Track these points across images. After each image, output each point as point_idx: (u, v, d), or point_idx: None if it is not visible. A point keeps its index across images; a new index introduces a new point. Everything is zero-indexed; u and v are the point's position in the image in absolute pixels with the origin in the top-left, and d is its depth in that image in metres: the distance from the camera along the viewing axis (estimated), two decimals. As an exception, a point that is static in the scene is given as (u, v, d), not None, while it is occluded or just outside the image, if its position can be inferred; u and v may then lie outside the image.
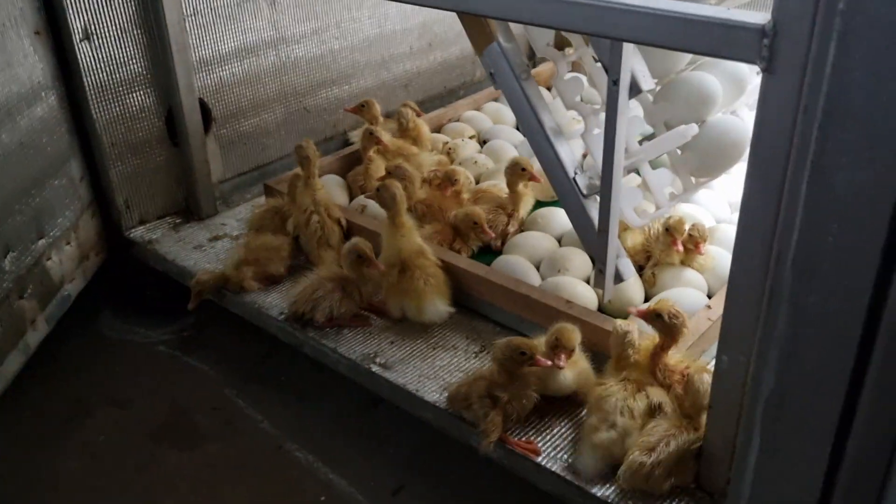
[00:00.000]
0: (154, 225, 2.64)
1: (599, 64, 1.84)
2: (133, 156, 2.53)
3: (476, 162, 2.75)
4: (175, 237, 2.58)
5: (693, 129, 1.73)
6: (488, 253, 2.33)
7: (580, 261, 2.19)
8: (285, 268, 2.32)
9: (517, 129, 3.11)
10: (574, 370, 1.75)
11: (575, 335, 1.69)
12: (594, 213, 1.78)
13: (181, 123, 2.55)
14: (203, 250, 2.50)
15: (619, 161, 1.60)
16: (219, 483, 1.99)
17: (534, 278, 2.15)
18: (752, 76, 1.96)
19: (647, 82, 1.58)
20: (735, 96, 1.93)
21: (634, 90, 1.58)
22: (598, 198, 1.78)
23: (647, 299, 2.10)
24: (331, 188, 2.58)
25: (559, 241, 2.34)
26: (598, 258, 1.73)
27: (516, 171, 2.31)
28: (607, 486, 1.63)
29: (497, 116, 3.16)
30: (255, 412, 2.20)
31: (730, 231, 2.25)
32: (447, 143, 2.90)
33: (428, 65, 3.42)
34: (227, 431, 2.15)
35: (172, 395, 2.27)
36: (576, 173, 1.76)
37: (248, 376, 2.33)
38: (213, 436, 2.13)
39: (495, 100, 3.30)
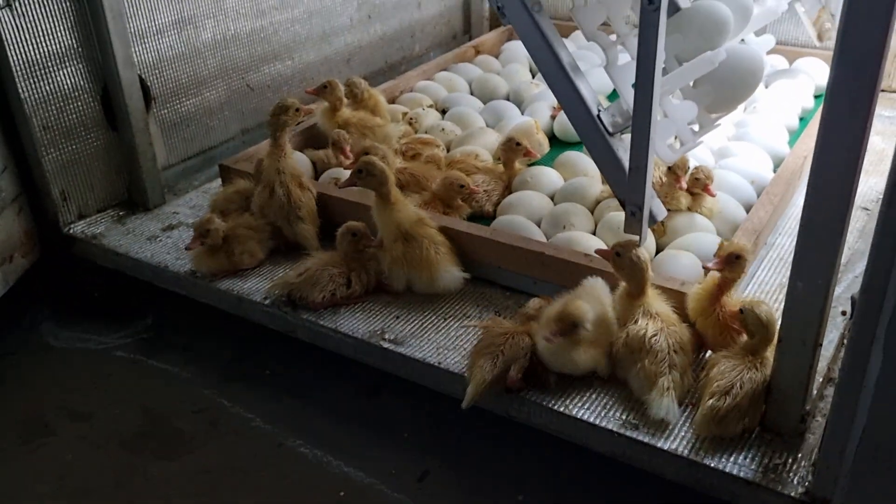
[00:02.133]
0: (95, 219, 2.35)
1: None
2: (67, 141, 2.23)
3: (443, 129, 2.60)
4: (122, 230, 2.30)
5: (721, 54, 1.64)
6: (480, 220, 2.18)
7: (583, 215, 2.07)
8: (266, 251, 2.09)
9: (472, 94, 2.99)
10: (589, 352, 1.62)
11: (580, 312, 1.57)
12: (621, 153, 1.66)
13: (120, 103, 2.27)
14: (159, 241, 2.24)
15: (657, 90, 1.48)
16: (217, 491, 1.76)
17: (538, 237, 2.01)
18: (753, 5, 1.89)
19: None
20: (739, 27, 1.86)
21: (672, 8, 1.47)
22: (622, 137, 1.67)
23: (658, 251, 2.00)
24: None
25: (552, 199, 2.22)
26: (631, 200, 1.61)
27: (512, 147, 2.18)
28: (672, 438, 1.51)
29: (451, 85, 3.02)
30: (243, 411, 1.97)
31: (727, 175, 2.20)
32: (406, 113, 2.73)
33: (369, 38, 3.24)
34: (217, 434, 1.91)
35: (142, 402, 2.01)
36: (599, 111, 1.64)
37: (227, 374, 2.09)
38: (202, 440, 1.89)
39: (444, 70, 3.16)
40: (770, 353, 1.48)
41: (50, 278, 2.34)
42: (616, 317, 1.66)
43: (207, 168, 2.62)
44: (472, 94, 3.00)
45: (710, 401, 1.45)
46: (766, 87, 2.86)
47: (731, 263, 1.57)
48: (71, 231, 2.28)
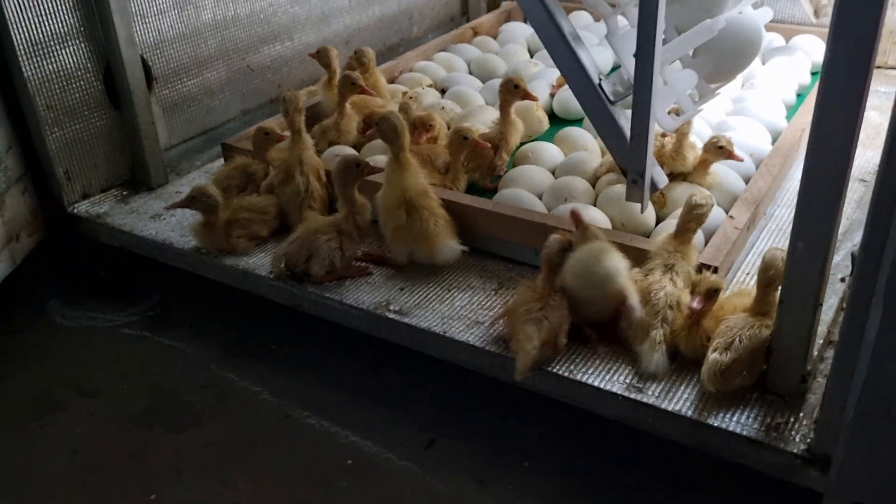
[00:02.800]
0: (99, 198, 2.36)
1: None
2: (71, 120, 2.25)
3: (443, 108, 2.61)
4: (126, 209, 2.32)
5: (720, 22, 1.65)
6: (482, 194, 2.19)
7: (584, 188, 2.09)
8: (270, 230, 2.11)
9: (471, 73, 3.00)
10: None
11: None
12: (623, 122, 1.68)
13: (122, 82, 2.29)
14: (163, 219, 2.26)
15: (658, 58, 1.50)
16: (226, 462, 1.78)
17: (540, 209, 2.03)
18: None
19: (686, -34, 1.50)
20: (738, -3, 1.87)
21: (672, -24, 1.48)
22: (624, 105, 1.68)
23: (658, 221, 2.03)
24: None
25: (552, 173, 2.24)
26: (632, 167, 1.63)
27: (509, 89, 2.18)
28: (676, 400, 1.53)
29: (449, 65, 3.03)
30: (250, 384, 1.99)
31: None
32: (406, 92, 2.74)
33: (367, 20, 3.25)
34: (225, 407, 1.93)
35: (150, 378, 2.03)
36: (600, 80, 1.66)
37: (233, 350, 2.11)
38: (210, 414, 1.91)
39: (443, 50, 3.17)
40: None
41: (56, 257, 2.35)
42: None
43: (209, 148, 2.63)
44: (471, 73, 3.01)
45: (714, 354, 1.49)
46: (764, 63, 2.88)
47: (711, 297, 1.59)
48: (75, 210, 2.30)
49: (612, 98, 1.66)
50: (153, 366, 2.07)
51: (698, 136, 2.29)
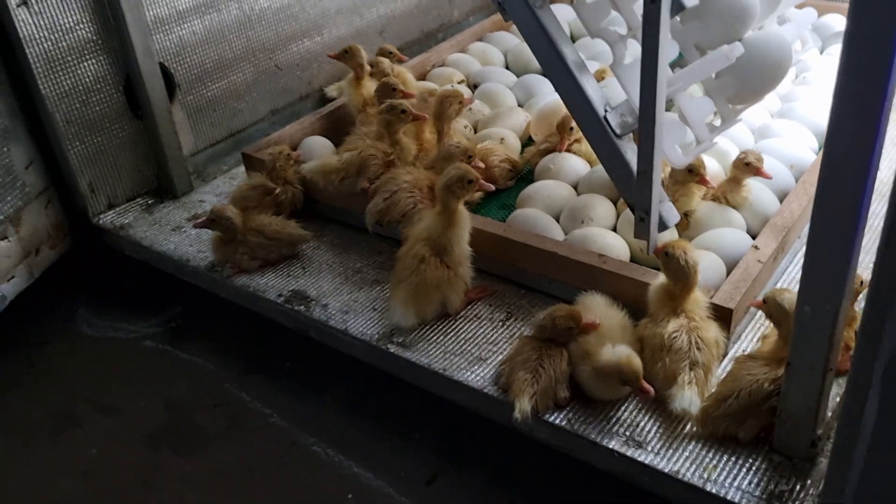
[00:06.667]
0: (125, 208, 2.38)
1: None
2: (92, 133, 2.26)
3: (471, 109, 2.51)
4: (149, 220, 2.33)
5: (738, 48, 1.51)
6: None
7: (604, 208, 1.99)
8: (279, 255, 2.09)
9: (507, 69, 2.89)
10: None
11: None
12: (630, 155, 1.57)
13: (142, 92, 2.28)
14: (183, 232, 2.26)
15: (662, 91, 1.39)
16: (231, 489, 1.80)
17: (556, 232, 1.94)
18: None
19: (691, -2, 1.37)
20: (769, 10, 1.71)
21: (676, 8, 1.36)
22: (632, 137, 1.57)
23: (681, 244, 1.91)
24: (317, 152, 2.34)
25: (575, 188, 2.13)
26: (639, 204, 1.53)
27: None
28: (674, 459, 1.45)
29: (484, 57, 2.91)
30: (261, 406, 2.00)
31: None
32: (436, 90, 2.65)
33: (403, 7, 3.15)
34: (234, 430, 1.94)
35: (167, 395, 2.06)
36: (606, 111, 1.55)
37: (249, 367, 2.12)
38: (219, 436, 1.93)
39: (480, 39, 3.05)
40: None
41: (84, 267, 2.40)
42: (649, 308, 1.63)
43: (236, 151, 2.61)
44: (506, 66, 2.89)
45: (706, 403, 1.45)
46: (821, 53, 2.67)
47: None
48: (100, 221, 2.33)
49: (618, 131, 1.55)
50: (170, 382, 2.10)
51: (735, 143, 2.16)
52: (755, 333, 1.71)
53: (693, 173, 1.86)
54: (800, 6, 1.99)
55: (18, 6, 2.02)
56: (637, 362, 1.47)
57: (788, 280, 1.85)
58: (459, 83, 2.73)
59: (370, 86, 2.43)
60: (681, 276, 1.54)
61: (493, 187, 1.88)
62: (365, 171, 2.09)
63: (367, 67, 2.47)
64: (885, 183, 2.03)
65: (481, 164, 2.04)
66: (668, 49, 1.39)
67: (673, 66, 1.59)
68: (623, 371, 1.47)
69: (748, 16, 1.61)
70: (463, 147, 2.04)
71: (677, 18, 1.66)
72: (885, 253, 1.01)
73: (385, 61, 2.53)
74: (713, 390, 1.51)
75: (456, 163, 1.87)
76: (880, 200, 1.96)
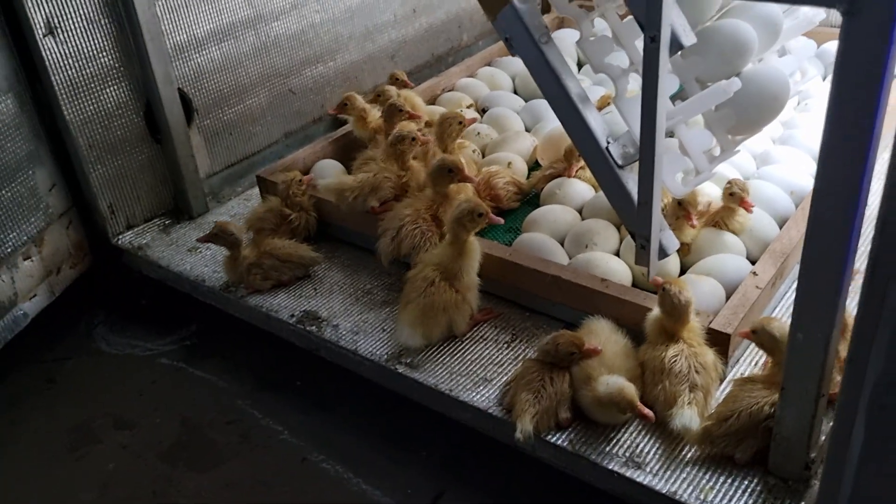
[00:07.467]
0: (143, 229, 2.46)
1: (624, 20, 1.67)
2: (113, 157, 2.34)
3: (479, 133, 2.58)
4: (166, 240, 2.41)
5: (735, 83, 1.57)
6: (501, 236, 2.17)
7: (608, 234, 2.04)
8: (291, 276, 2.16)
9: (515, 93, 2.96)
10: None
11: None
12: (632, 186, 1.62)
13: (161, 117, 2.36)
14: (199, 252, 2.33)
15: (661, 125, 1.45)
16: (243, 503, 1.85)
17: (560, 256, 2.00)
18: (783, 19, 1.80)
19: (689, 37, 1.43)
20: (768, 43, 1.77)
21: (675, 46, 1.42)
22: (634, 168, 1.63)
23: (682, 270, 1.96)
24: (329, 175, 2.41)
25: (580, 212, 2.19)
26: (640, 233, 1.59)
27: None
28: (672, 481, 1.50)
29: (493, 82, 2.99)
30: (273, 423, 2.06)
31: (762, 186, 2.11)
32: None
33: (414, 32, 3.23)
34: (246, 446, 2.00)
35: (181, 412, 2.12)
36: (608, 143, 1.61)
37: (261, 384, 2.18)
38: (231, 452, 1.99)
39: (489, 64, 3.12)
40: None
41: (103, 286, 2.47)
42: (647, 337, 1.68)
43: (250, 174, 2.68)
44: (514, 91, 2.96)
45: (708, 423, 1.50)
46: (824, 79, 2.72)
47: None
48: (119, 242, 2.40)
49: (620, 162, 1.61)
50: (185, 399, 2.16)
51: (737, 169, 2.21)
52: (752, 358, 1.76)
53: (681, 207, 1.93)
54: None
55: (45, 36, 2.10)
56: (630, 392, 1.52)
57: (787, 305, 1.89)
58: (468, 107, 2.80)
59: (375, 113, 2.50)
60: (674, 313, 1.60)
61: (502, 221, 1.92)
62: (377, 192, 2.16)
63: (368, 107, 2.54)
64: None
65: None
66: (668, 84, 1.44)
67: (674, 98, 1.66)
68: (617, 402, 1.53)
69: (747, 50, 1.67)
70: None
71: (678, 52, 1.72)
72: (870, 283, 1.07)
73: (392, 89, 2.60)
74: (712, 411, 1.56)
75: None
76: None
